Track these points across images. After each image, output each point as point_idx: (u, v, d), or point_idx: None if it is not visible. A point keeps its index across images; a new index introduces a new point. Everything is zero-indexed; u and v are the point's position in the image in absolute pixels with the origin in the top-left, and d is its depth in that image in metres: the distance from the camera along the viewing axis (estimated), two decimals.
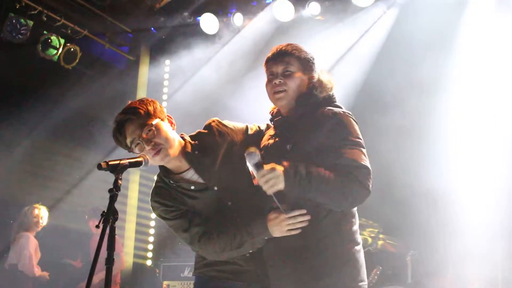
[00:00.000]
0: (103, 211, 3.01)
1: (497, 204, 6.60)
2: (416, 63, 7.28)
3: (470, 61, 7.18)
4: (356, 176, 3.24)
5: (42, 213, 8.12)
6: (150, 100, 3.64)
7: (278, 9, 8.04)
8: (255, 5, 8.22)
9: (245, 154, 3.22)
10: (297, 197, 3.31)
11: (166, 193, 3.66)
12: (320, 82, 3.61)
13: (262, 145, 3.64)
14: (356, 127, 3.46)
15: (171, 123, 3.65)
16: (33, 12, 7.94)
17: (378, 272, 7.11)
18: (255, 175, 3.27)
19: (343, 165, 3.27)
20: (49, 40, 8.25)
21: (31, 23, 7.91)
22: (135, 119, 3.50)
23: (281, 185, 3.21)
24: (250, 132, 3.79)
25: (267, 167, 3.22)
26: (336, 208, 3.35)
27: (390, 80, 7.40)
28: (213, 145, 3.66)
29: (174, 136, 3.59)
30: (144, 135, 3.47)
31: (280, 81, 3.52)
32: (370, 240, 7.32)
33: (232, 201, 3.58)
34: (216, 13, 8.45)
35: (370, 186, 3.29)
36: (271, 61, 3.60)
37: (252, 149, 3.23)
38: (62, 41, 8.34)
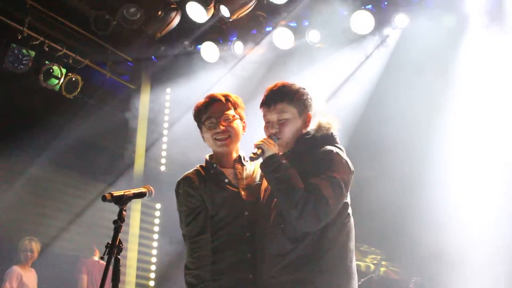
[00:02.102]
0: (108, 243, 3.02)
1: (498, 231, 6.60)
2: (415, 89, 7.32)
3: (468, 86, 7.23)
4: (315, 202, 3.32)
5: (32, 247, 8.12)
6: (240, 100, 4.02)
7: (278, 37, 8.08)
8: (255, 33, 8.27)
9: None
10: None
11: (195, 179, 3.85)
12: (318, 124, 3.71)
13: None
14: (343, 167, 3.54)
15: (244, 128, 4.01)
16: (34, 43, 7.98)
17: None
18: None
19: (311, 184, 3.38)
20: (51, 70, 8.28)
21: (32, 53, 7.95)
22: (223, 103, 3.90)
23: (266, 153, 3.50)
24: None
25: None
26: (284, 212, 3.44)
27: (389, 106, 7.45)
28: (252, 168, 4.02)
29: (238, 139, 3.96)
30: (222, 119, 3.85)
31: (276, 130, 3.65)
32: (372, 267, 7.31)
33: (248, 212, 3.79)
34: (216, 41, 8.50)
35: (321, 218, 3.35)
36: (265, 107, 3.72)
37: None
38: (64, 70, 8.38)
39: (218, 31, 8.47)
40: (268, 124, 3.70)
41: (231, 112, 3.91)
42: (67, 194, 8.92)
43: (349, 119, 7.58)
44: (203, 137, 4.00)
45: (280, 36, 8.09)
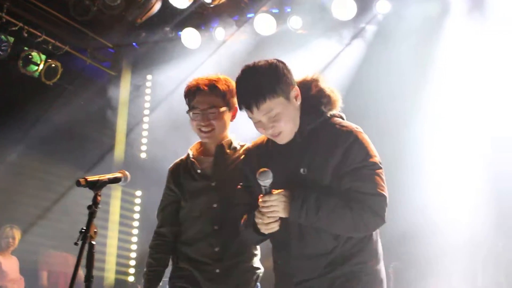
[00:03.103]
0: (82, 228, 3.00)
1: (478, 215, 6.64)
2: (396, 75, 7.33)
3: (449, 73, 7.25)
4: (370, 206, 3.04)
5: (13, 234, 8.08)
6: (231, 83, 3.75)
7: (259, 24, 8.04)
8: (237, 20, 8.22)
9: (258, 174, 2.98)
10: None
11: (175, 170, 3.91)
12: (328, 97, 3.31)
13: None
14: (372, 146, 3.21)
15: (234, 115, 3.84)
16: (13, 28, 7.89)
17: None
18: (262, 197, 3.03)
19: (358, 193, 3.05)
20: (30, 56, 8.19)
21: (11, 39, 7.86)
22: (208, 94, 3.74)
23: (282, 214, 3.02)
24: None
25: (275, 192, 3.02)
26: (347, 235, 3.14)
27: (370, 93, 7.45)
28: (237, 159, 3.80)
29: (226, 128, 3.83)
30: (208, 112, 3.73)
31: (273, 129, 3.15)
32: None
33: (218, 205, 3.71)
34: (197, 27, 8.44)
35: (385, 214, 3.11)
36: (248, 111, 3.16)
37: (266, 169, 2.98)
38: (43, 57, 8.29)
39: (200, 17, 8.41)
40: (259, 124, 3.18)
41: (218, 103, 3.72)
42: (46, 181, 8.87)
43: None
44: (190, 119, 3.84)
45: (262, 22, 8.05)
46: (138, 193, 9.46)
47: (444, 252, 6.73)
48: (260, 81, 3.12)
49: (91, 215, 3.04)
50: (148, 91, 9.60)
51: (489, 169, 6.77)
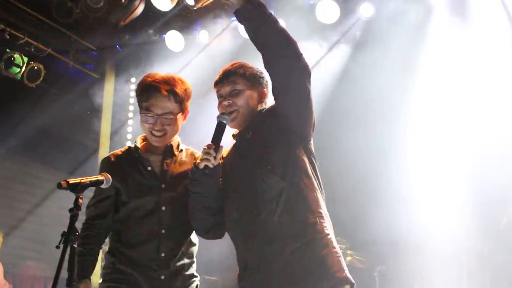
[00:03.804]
0: (64, 231, 2.97)
1: (462, 219, 6.68)
2: (380, 79, 7.36)
3: (432, 77, 7.29)
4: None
5: None
6: (188, 86, 3.79)
7: (243, 27, 8.02)
8: (221, 22, 8.22)
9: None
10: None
11: (114, 160, 3.80)
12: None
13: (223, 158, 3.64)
14: None
15: (185, 116, 3.82)
16: None
17: None
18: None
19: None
20: (12, 58, 8.12)
21: None
22: (166, 98, 3.65)
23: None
24: None
25: None
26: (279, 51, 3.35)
27: (354, 97, 7.48)
28: (186, 160, 3.80)
29: (177, 133, 3.79)
30: (163, 117, 3.64)
31: (229, 102, 3.54)
32: None
33: (166, 207, 3.64)
34: (181, 30, 8.44)
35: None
36: (219, 84, 3.62)
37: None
38: (26, 59, 8.22)
39: (183, 19, 8.41)
40: (221, 100, 3.60)
41: (173, 108, 3.67)
42: (28, 184, 8.82)
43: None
44: (140, 118, 3.76)
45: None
46: None
47: (430, 257, 6.76)
48: (239, 66, 3.66)
49: (73, 218, 3.00)
50: (132, 93, 9.56)
51: (475, 176, 6.82)
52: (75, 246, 2.96)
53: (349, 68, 7.95)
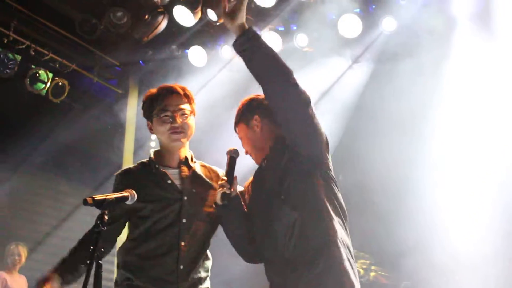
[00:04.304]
0: (90, 247, 2.98)
1: (488, 234, 6.61)
2: (403, 92, 7.32)
3: (456, 90, 7.24)
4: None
5: (19, 251, 8.04)
6: (193, 96, 3.87)
7: (265, 41, 8.02)
8: None
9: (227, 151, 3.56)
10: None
11: (131, 175, 3.78)
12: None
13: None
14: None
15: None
16: (21, 47, 7.94)
17: None
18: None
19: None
20: (37, 75, 8.23)
21: (19, 57, 7.90)
22: (181, 96, 3.74)
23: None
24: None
25: None
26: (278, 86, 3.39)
27: (377, 110, 7.44)
28: (201, 172, 3.82)
29: (191, 133, 3.80)
30: (179, 113, 3.68)
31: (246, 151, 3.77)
32: (362, 271, 7.29)
33: (187, 220, 3.63)
34: (204, 45, 8.46)
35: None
36: (235, 128, 3.85)
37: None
38: (50, 75, 8.32)
39: (206, 35, 8.43)
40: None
41: (187, 106, 3.75)
42: (53, 199, 8.86)
43: (337, 122, 7.57)
44: (151, 129, 3.80)
45: (268, 40, 8.01)
46: None
47: (456, 270, 6.68)
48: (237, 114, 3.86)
49: (98, 234, 3.02)
50: None
51: (503, 188, 6.75)
52: (101, 262, 2.97)
53: (372, 81, 7.92)
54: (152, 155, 3.85)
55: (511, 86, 6.96)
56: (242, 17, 3.42)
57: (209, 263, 3.81)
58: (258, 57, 3.40)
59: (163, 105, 3.70)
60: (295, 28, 7.97)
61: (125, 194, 3.28)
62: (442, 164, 7.17)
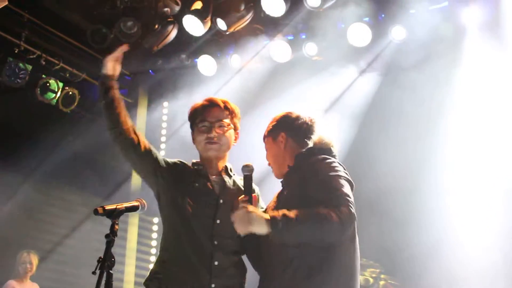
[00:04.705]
0: (100, 257, 3.00)
1: (499, 233, 6.59)
2: (412, 106, 7.33)
3: (467, 98, 7.23)
4: (339, 204, 3.31)
5: (30, 259, 8.04)
6: (238, 109, 4.03)
7: (275, 50, 8.07)
8: (252, 46, 8.24)
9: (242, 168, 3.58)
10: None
11: (179, 167, 3.92)
12: (319, 138, 3.85)
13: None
14: (334, 164, 3.60)
15: (236, 138, 4.02)
16: (31, 57, 7.99)
17: None
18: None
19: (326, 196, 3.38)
20: (48, 84, 8.28)
21: (29, 67, 7.95)
22: (221, 109, 3.89)
23: (260, 229, 3.26)
24: None
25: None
26: (328, 239, 3.37)
27: (386, 122, 7.45)
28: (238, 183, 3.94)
29: (229, 147, 3.96)
30: (217, 125, 3.83)
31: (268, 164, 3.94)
32: (371, 280, 7.26)
33: (221, 221, 3.69)
34: (213, 55, 8.48)
35: (352, 210, 3.32)
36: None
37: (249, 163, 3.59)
38: (61, 84, 8.37)
39: (215, 44, 8.45)
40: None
41: (227, 120, 3.89)
42: (63, 208, 8.89)
43: (348, 129, 7.59)
44: (193, 138, 3.97)
45: (277, 49, 8.07)
46: (155, 220, 9.46)
47: (465, 276, 6.66)
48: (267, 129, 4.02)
49: (109, 243, 3.04)
50: (164, 118, 9.63)
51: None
52: (111, 272, 2.99)
53: (382, 90, 7.92)
54: (194, 161, 4.00)
55: None
56: (261, 226, 3.30)
57: (244, 270, 3.87)
58: (295, 232, 3.31)
59: (203, 116, 3.88)
60: (304, 37, 7.98)
61: (135, 203, 3.32)
62: (453, 169, 7.16)
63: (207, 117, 3.86)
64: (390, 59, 7.80)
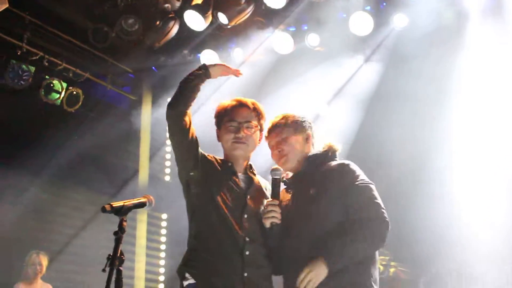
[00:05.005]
0: (109, 255, 3.00)
1: (505, 227, 6.57)
2: (417, 92, 7.31)
3: (469, 84, 7.21)
4: (370, 222, 3.65)
5: (40, 260, 7.98)
6: (264, 111, 4.12)
7: (277, 42, 8.06)
8: (254, 39, 8.23)
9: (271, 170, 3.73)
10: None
11: (214, 163, 4.02)
12: (328, 145, 4.05)
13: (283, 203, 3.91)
14: (358, 171, 3.86)
15: (260, 139, 4.13)
16: (34, 58, 7.98)
17: None
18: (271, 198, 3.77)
19: (354, 206, 3.70)
20: (51, 85, 8.27)
21: (32, 68, 7.94)
22: (250, 110, 4.02)
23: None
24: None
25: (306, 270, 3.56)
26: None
27: (390, 109, 7.44)
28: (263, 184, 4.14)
29: (255, 148, 4.09)
30: (245, 126, 3.95)
31: (279, 151, 3.96)
32: (382, 268, 7.27)
33: (248, 215, 3.84)
34: (215, 49, 8.48)
35: (386, 218, 3.67)
36: (268, 137, 4.07)
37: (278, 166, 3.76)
38: (64, 85, 8.36)
39: (217, 38, 8.44)
40: (272, 149, 4.04)
41: (254, 121, 4.02)
42: (71, 207, 8.90)
43: (354, 116, 7.59)
44: (218, 136, 4.10)
45: (280, 41, 8.07)
46: (164, 216, 9.49)
47: (474, 264, 6.66)
48: (284, 117, 4.14)
49: (118, 241, 3.05)
50: None
51: None
52: (121, 269, 2.99)
53: (386, 78, 7.91)
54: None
55: None
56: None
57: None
58: (352, 256, 3.63)
59: (231, 116, 4.00)
60: (306, 28, 7.98)
61: (142, 200, 3.32)
62: (459, 153, 7.15)
63: (235, 117, 3.98)
64: (393, 47, 7.79)
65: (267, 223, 3.71)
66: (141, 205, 3.30)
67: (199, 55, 8.59)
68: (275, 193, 3.75)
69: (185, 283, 3.78)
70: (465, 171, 7.09)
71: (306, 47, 7.96)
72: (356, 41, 7.85)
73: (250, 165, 4.11)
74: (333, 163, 3.93)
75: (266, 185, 4.10)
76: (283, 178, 3.86)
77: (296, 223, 3.79)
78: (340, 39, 7.80)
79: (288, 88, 7.84)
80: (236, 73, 4.09)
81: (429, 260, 7.18)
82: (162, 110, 9.40)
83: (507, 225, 6.67)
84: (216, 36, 8.44)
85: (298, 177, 3.97)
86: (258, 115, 4.03)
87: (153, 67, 9.28)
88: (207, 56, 8.46)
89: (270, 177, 3.89)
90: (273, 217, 3.69)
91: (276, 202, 3.70)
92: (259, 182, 4.09)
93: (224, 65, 4.08)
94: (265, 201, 3.85)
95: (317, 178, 3.86)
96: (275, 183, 3.75)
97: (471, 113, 7.23)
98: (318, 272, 3.53)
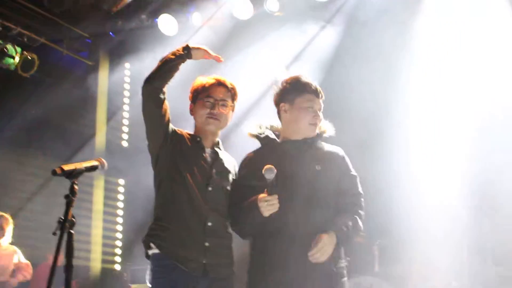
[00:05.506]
0: (60, 218, 2.98)
1: (461, 186, 6.65)
2: (374, 55, 7.34)
3: (427, 49, 7.26)
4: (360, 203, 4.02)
5: (1, 224, 7.80)
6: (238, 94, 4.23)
7: (236, 7, 8.00)
8: (213, 4, 8.16)
9: (264, 170, 3.59)
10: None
11: (183, 136, 4.08)
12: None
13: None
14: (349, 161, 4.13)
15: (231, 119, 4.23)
16: None
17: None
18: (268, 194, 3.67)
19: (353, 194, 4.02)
20: (5, 49, 8.10)
21: None
22: (227, 90, 4.11)
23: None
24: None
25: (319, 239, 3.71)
26: None
27: (349, 73, 7.46)
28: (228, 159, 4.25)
29: (226, 124, 4.17)
30: (221, 103, 4.05)
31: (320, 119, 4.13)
32: None
33: (212, 188, 3.95)
34: (174, 13, 8.38)
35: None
36: (315, 96, 4.16)
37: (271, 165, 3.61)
38: (19, 49, 8.20)
39: (175, 3, 8.34)
40: (311, 110, 4.06)
41: (229, 101, 4.12)
42: (26, 173, 8.81)
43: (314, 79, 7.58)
44: (191, 110, 4.16)
45: (239, 6, 8.01)
46: (121, 181, 9.47)
47: (429, 232, 6.74)
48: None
49: (69, 204, 3.02)
50: (127, 79, 9.54)
51: (475, 153, 6.77)
52: (72, 232, 2.97)
53: (345, 42, 7.92)
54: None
55: (484, 39, 6.96)
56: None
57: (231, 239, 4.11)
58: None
59: (209, 92, 4.07)
60: None
61: (94, 163, 3.29)
62: (415, 128, 7.21)
63: (212, 94, 4.06)
64: (350, 11, 7.79)
65: (266, 214, 3.69)
66: (93, 168, 3.26)
67: (156, 19, 8.46)
68: (272, 192, 3.68)
69: (150, 252, 3.87)
70: (422, 129, 7.17)
71: (266, 12, 7.92)
72: (316, 6, 7.84)
73: (218, 141, 4.20)
74: (331, 146, 4.11)
75: (234, 162, 4.20)
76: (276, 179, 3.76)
77: (301, 196, 3.84)
78: (299, 5, 7.78)
79: (247, 53, 7.81)
80: (217, 59, 4.07)
81: (385, 230, 7.26)
82: (119, 75, 9.40)
83: (464, 190, 6.75)
84: (174, 0, 8.33)
85: (296, 145, 4.04)
86: (233, 95, 4.14)
87: (110, 32, 9.14)
88: (165, 21, 8.36)
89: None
90: (273, 209, 3.68)
91: (276, 197, 3.64)
92: (225, 157, 4.17)
93: (206, 50, 4.05)
94: (264, 196, 3.73)
95: (320, 156, 3.99)
96: (271, 183, 3.67)
97: (427, 69, 7.27)
98: (330, 242, 3.69)
